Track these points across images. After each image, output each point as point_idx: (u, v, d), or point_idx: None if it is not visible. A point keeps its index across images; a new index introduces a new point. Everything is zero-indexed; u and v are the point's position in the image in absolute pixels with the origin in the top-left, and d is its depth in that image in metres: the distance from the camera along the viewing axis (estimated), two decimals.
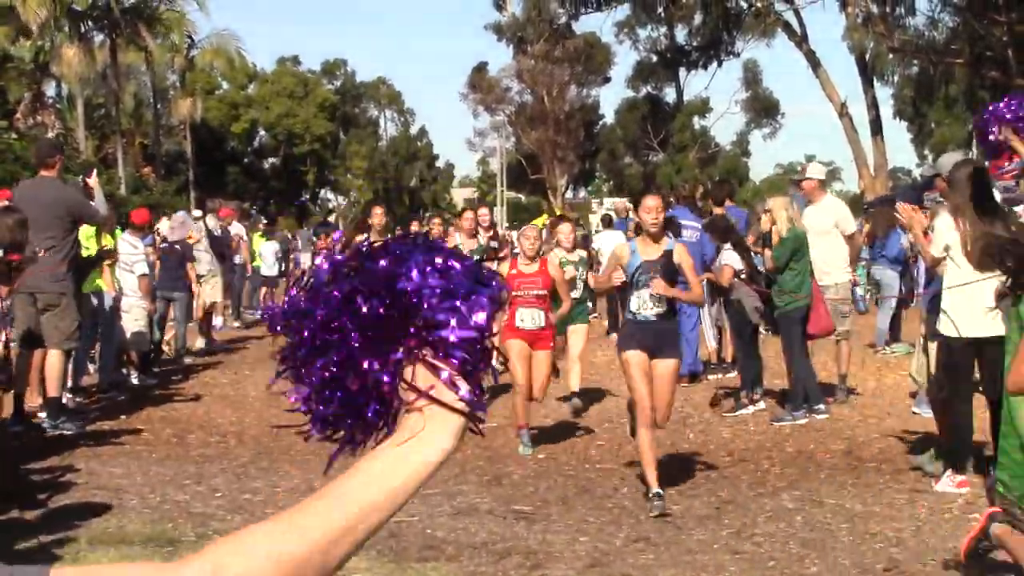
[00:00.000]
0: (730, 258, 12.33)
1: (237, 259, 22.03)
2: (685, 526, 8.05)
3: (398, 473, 1.50)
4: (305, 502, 1.49)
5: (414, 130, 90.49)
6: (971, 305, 8.45)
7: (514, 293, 10.46)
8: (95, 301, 13.26)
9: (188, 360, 17.13)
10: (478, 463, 10.15)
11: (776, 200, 12.41)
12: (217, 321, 20.43)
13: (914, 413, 11.55)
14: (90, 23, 46.65)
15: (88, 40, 46.17)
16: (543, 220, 32.19)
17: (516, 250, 13.43)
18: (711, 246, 13.41)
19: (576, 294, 12.21)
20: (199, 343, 18.52)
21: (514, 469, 9.95)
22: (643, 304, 8.63)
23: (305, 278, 1.58)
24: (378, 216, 12.64)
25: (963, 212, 8.49)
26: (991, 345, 8.30)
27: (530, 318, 10.58)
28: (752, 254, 12.52)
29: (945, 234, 8.62)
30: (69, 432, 11.15)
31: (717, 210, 14.16)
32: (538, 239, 11.33)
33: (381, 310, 1.48)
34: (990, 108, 9.32)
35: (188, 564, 1.41)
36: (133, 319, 14.28)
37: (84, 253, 12.20)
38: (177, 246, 16.73)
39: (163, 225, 17.82)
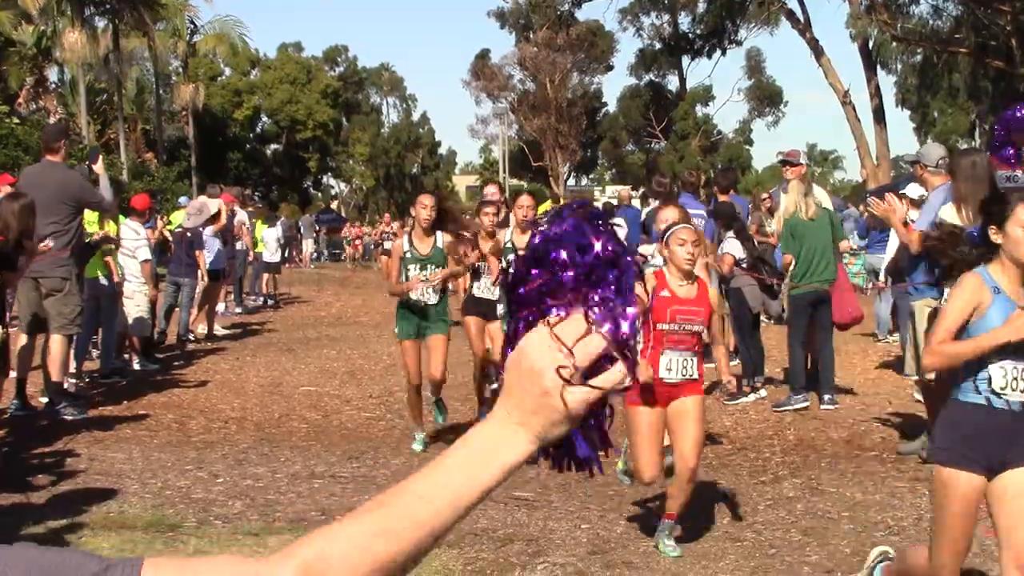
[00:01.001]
0: (731, 246, 12.33)
1: (240, 245, 22.03)
2: (686, 513, 8.06)
3: (475, 477, 1.45)
4: (390, 499, 1.43)
5: (416, 117, 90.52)
6: None
7: (663, 327, 6.94)
8: (104, 281, 13.27)
9: (190, 346, 17.16)
10: None
11: (792, 184, 12.33)
12: (219, 307, 20.44)
13: (916, 400, 11.54)
14: (92, 8, 46.58)
15: (91, 25, 46.12)
16: (546, 208, 32.09)
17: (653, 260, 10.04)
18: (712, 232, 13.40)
19: None
20: (201, 328, 18.53)
21: None
22: (1015, 382, 5.07)
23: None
24: (426, 207, 10.01)
25: (966, 200, 8.49)
26: None
27: (680, 366, 6.98)
28: (755, 243, 12.55)
29: (950, 223, 8.60)
30: (70, 417, 11.16)
31: (722, 197, 14.15)
32: (701, 244, 7.77)
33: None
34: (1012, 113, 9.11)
35: (281, 564, 1.40)
36: (135, 305, 14.28)
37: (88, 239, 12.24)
38: (188, 233, 16.78)
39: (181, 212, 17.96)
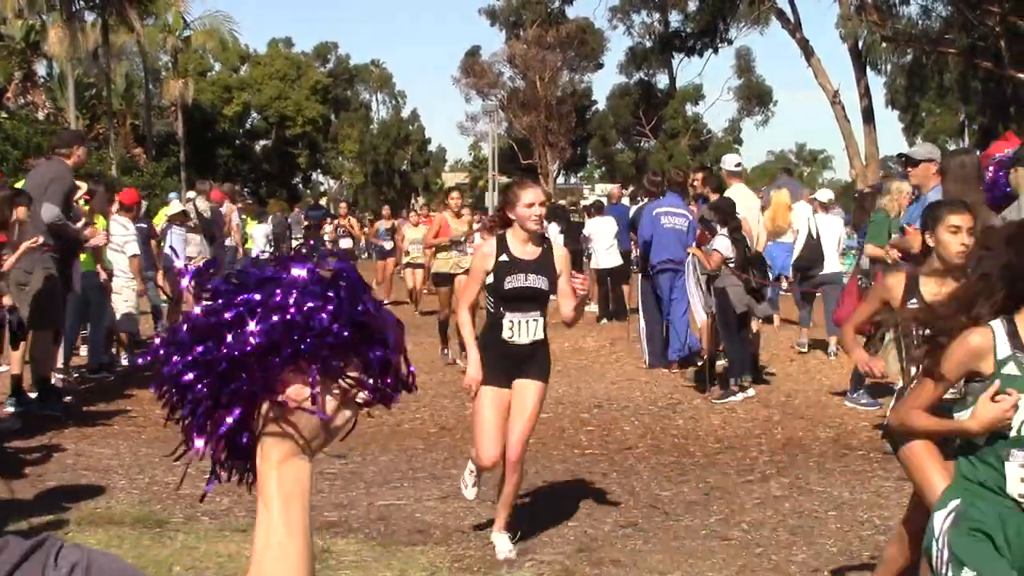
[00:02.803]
0: (721, 244, 12.34)
1: (229, 242, 22.01)
2: (673, 512, 8.07)
3: (303, 511, 1.63)
4: (282, 565, 1.59)
5: (405, 113, 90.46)
6: None
7: None
8: (103, 274, 13.25)
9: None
10: (466, 447, 10.16)
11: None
12: None
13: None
14: (81, 3, 46.47)
15: (79, 20, 46.00)
16: None
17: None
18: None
19: None
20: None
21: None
22: None
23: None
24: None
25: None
26: None
27: None
28: (748, 244, 12.61)
29: None
30: (55, 413, 11.10)
31: (713, 197, 14.19)
32: None
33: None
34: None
35: None
36: (123, 300, 14.25)
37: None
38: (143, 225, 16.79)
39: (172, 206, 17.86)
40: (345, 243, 23.31)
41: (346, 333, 1.52)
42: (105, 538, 6.96)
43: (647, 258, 14.31)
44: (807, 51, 43.47)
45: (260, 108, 77.64)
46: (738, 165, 13.76)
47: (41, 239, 10.41)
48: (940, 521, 4.05)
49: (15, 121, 32.91)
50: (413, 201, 63.94)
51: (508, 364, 6.97)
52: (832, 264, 15.11)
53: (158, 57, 59.81)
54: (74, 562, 1.36)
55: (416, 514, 7.90)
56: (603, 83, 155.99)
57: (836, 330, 17.25)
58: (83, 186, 12.27)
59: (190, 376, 1.54)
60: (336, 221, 22.61)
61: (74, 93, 46.57)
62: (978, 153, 9.06)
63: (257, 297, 1.52)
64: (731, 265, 12.28)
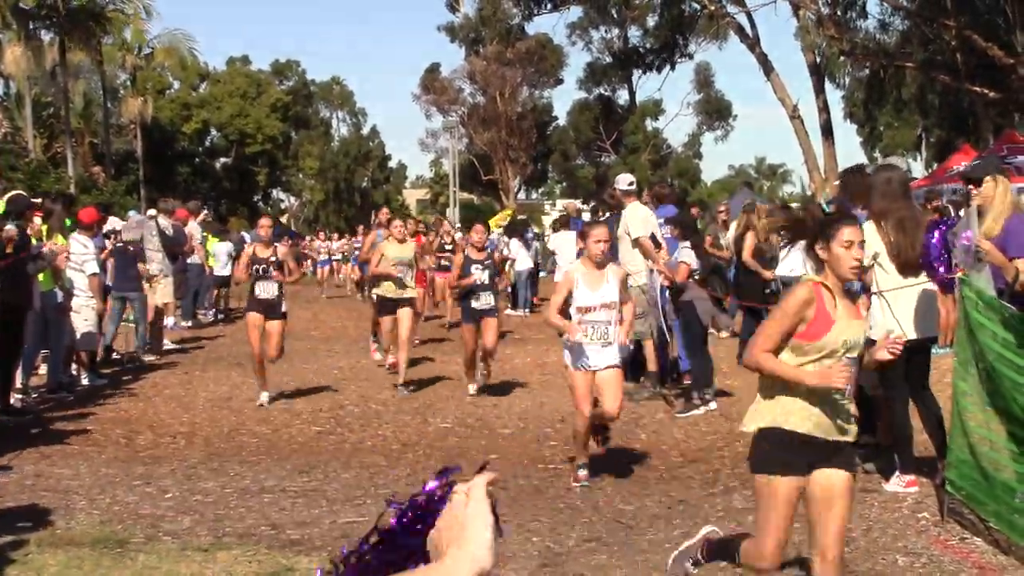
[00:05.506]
0: (687, 256, 12.37)
1: (195, 259, 22.02)
2: (637, 526, 8.06)
3: None
4: None
5: (365, 130, 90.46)
6: (900, 309, 8.52)
7: None
8: (60, 295, 13.17)
9: (147, 359, 17.05)
10: (429, 463, 10.13)
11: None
12: (168, 321, 20.29)
13: None
14: (38, 22, 46.21)
15: (37, 39, 45.75)
16: (500, 217, 31.50)
17: None
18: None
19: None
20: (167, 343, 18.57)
21: (465, 470, 9.91)
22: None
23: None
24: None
25: (883, 215, 8.58)
26: (920, 348, 8.40)
27: None
28: (708, 257, 12.65)
29: (871, 241, 8.67)
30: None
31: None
32: None
33: None
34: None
35: None
36: (83, 319, 14.16)
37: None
38: (131, 246, 16.69)
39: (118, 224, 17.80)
40: (267, 291, 13.26)
41: None
42: (65, 559, 6.90)
43: None
44: (766, 66, 43.72)
45: (220, 126, 77.56)
46: (631, 184, 13.73)
47: None
48: None
49: None
50: (374, 217, 63.78)
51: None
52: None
53: (116, 75, 59.62)
54: None
55: None
56: (563, 99, 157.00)
57: None
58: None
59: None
60: (251, 249, 13.96)
61: (32, 112, 46.35)
62: (935, 165, 9.12)
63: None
64: (696, 278, 12.31)
